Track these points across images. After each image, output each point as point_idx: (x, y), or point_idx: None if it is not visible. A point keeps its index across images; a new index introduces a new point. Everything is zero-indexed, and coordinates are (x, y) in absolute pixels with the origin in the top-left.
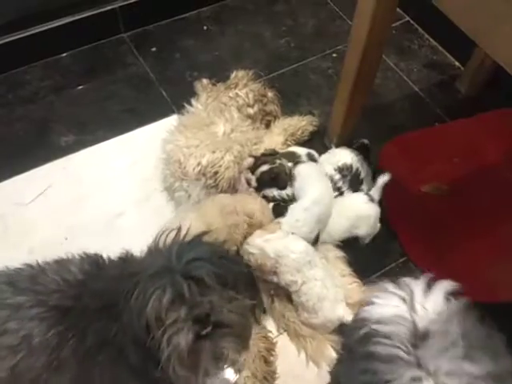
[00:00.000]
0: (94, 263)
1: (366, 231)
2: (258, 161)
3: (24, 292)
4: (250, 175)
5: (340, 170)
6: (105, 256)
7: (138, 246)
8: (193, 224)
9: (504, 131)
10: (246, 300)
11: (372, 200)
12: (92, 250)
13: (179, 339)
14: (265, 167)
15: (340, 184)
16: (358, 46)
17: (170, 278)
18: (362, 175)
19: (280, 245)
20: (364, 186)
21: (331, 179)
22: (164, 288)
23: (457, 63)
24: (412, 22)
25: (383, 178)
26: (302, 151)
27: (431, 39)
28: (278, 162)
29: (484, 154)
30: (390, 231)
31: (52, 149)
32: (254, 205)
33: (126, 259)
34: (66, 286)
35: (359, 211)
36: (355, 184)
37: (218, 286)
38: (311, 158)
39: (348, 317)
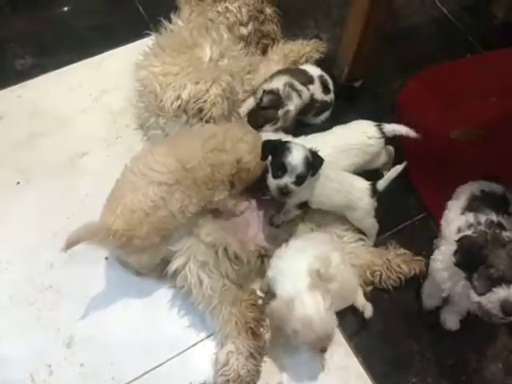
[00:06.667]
0: None
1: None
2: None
3: None
4: None
5: None
6: None
7: (105, 193)
8: (161, 160)
9: None
10: None
11: (382, 136)
12: (50, 195)
13: None
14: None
15: None
16: None
17: None
18: None
19: None
20: None
21: None
22: None
23: None
24: None
25: (403, 129)
26: (315, 72)
27: None
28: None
29: None
30: (407, 184)
31: (5, 73)
32: (245, 142)
33: None
34: None
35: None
36: None
37: None
38: (323, 83)
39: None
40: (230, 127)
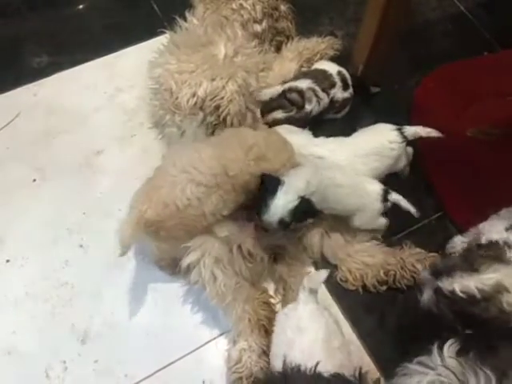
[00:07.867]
0: None
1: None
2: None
3: None
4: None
5: None
6: None
7: (120, 191)
8: (206, 161)
9: None
10: None
11: (404, 140)
12: (65, 192)
13: None
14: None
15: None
16: None
17: None
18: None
19: None
20: None
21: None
22: None
23: None
24: None
25: (426, 130)
26: (332, 69)
27: None
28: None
29: None
30: (423, 182)
31: (22, 71)
32: (285, 152)
33: None
34: None
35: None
36: None
37: None
38: (343, 79)
39: None
40: (268, 134)
